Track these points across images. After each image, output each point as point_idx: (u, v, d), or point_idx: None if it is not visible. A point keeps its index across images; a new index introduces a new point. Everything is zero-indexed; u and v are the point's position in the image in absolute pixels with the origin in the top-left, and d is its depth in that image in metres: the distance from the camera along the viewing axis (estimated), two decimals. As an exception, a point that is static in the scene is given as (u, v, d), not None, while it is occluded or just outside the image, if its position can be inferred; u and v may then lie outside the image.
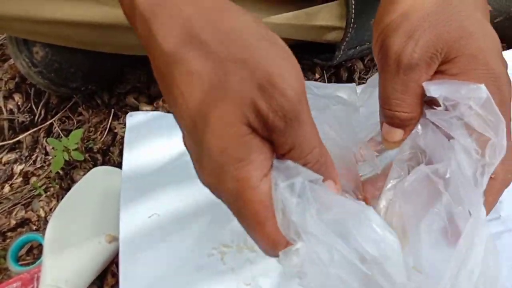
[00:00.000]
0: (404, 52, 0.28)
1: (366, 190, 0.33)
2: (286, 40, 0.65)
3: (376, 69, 0.65)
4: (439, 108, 0.29)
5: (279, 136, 0.24)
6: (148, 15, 0.25)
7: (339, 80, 0.64)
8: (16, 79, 0.67)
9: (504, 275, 0.40)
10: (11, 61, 0.69)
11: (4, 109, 0.65)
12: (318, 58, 0.61)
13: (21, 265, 0.52)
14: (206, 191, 0.26)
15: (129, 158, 0.49)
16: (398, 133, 0.31)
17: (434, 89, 0.29)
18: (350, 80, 0.64)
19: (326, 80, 0.63)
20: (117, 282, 0.48)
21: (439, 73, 0.29)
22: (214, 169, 0.24)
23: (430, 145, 0.29)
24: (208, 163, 0.24)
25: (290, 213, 0.24)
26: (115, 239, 0.47)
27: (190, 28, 0.24)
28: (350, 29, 0.55)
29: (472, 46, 0.28)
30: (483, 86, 0.27)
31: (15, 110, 0.66)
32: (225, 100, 0.23)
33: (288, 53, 0.25)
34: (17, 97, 0.66)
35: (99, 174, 0.53)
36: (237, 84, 0.23)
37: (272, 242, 0.25)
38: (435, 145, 0.29)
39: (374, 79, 0.36)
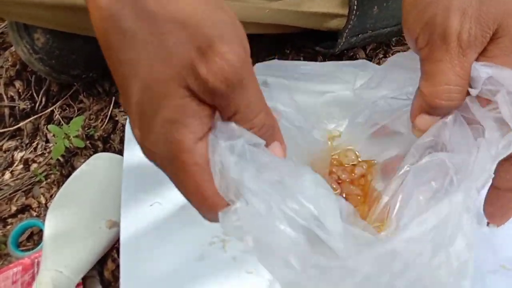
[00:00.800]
0: (463, 30, 0.27)
1: (384, 171, 0.33)
2: (288, 27, 0.64)
3: (378, 59, 0.65)
4: (472, 92, 0.28)
5: (221, 100, 0.23)
6: None
7: (341, 69, 0.63)
8: (17, 67, 0.67)
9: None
10: (12, 49, 0.69)
11: (5, 96, 0.65)
12: (320, 46, 0.61)
13: (22, 250, 0.52)
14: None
15: (130, 146, 0.48)
16: (433, 121, 0.30)
17: (483, 69, 0.27)
18: (352, 69, 0.63)
19: (328, 69, 0.63)
20: (117, 268, 0.48)
21: (482, 54, 0.27)
22: (148, 131, 0.24)
23: (454, 138, 0.29)
24: (142, 125, 0.24)
25: (228, 172, 0.23)
26: (116, 224, 0.47)
27: None
28: (353, 16, 0.54)
29: None
30: None
31: (16, 97, 0.65)
32: (162, 62, 0.23)
33: (232, 19, 0.24)
34: (18, 84, 0.66)
35: (100, 160, 0.53)
36: (175, 46, 0.22)
37: (211, 205, 0.24)
38: (460, 140, 0.28)
39: (393, 61, 0.36)
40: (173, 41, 0.22)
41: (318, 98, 0.46)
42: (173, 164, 0.24)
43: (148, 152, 0.25)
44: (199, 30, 0.22)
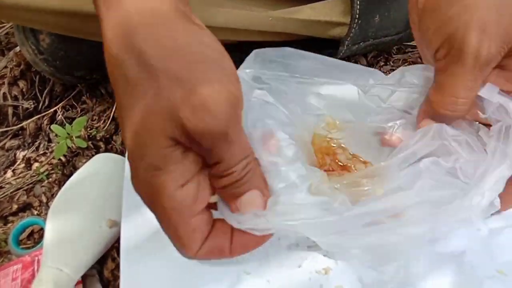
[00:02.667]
0: (482, 47, 0.27)
1: None
2: (291, 35, 0.65)
3: (379, 66, 0.66)
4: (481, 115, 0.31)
5: (206, 153, 0.26)
6: (100, 6, 0.27)
7: (342, 77, 0.64)
8: (22, 67, 0.67)
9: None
10: (17, 49, 0.70)
11: (8, 96, 0.66)
12: (322, 54, 0.62)
13: (22, 248, 0.52)
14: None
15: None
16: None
17: (495, 96, 0.29)
18: (352, 76, 0.64)
19: (329, 75, 0.64)
20: (117, 267, 0.49)
21: (498, 67, 0.29)
22: (136, 173, 0.26)
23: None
24: (131, 165, 0.26)
25: None
26: (116, 224, 0.48)
27: (133, 35, 0.25)
28: (355, 24, 0.55)
29: None
30: None
31: (20, 96, 0.66)
32: (154, 113, 0.25)
33: (226, 72, 0.26)
34: (22, 84, 0.67)
35: (102, 160, 0.53)
36: (167, 101, 0.24)
37: (182, 245, 0.28)
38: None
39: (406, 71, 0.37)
40: (168, 96, 0.24)
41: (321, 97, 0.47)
42: (154, 205, 0.27)
43: (136, 188, 0.27)
44: (193, 88, 0.24)
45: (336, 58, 0.59)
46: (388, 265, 0.37)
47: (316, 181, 0.33)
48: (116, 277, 0.48)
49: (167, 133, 0.25)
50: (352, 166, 0.45)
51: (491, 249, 0.41)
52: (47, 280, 0.42)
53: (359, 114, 0.45)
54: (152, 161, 0.25)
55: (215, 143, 0.25)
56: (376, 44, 0.59)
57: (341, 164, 0.45)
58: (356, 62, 0.65)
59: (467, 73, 0.28)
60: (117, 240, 0.49)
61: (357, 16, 0.55)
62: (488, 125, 0.33)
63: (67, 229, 0.46)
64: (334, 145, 0.45)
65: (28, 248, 0.53)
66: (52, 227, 0.47)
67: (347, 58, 0.64)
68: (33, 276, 0.46)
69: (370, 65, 0.65)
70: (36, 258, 0.48)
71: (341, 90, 0.44)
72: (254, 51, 0.41)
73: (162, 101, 0.24)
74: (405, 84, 0.40)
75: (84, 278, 0.47)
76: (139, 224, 0.44)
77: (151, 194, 0.26)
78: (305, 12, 0.55)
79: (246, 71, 0.40)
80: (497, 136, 0.31)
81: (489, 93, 0.30)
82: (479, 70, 0.28)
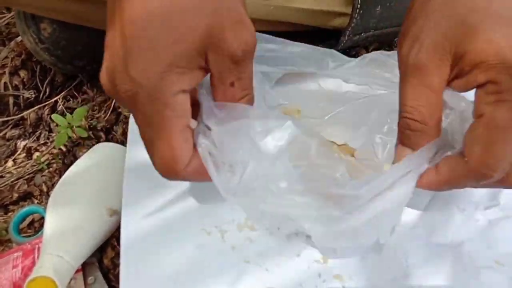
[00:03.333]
0: (410, 54, 0.28)
1: None
2: (292, 25, 0.65)
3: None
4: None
5: (234, 65, 0.27)
6: None
7: (343, 68, 0.64)
8: (23, 56, 0.67)
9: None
10: (18, 39, 0.70)
11: (9, 85, 0.66)
12: (323, 44, 0.62)
13: (23, 237, 0.53)
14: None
15: (134, 136, 0.49)
16: (407, 153, 0.30)
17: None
18: (353, 68, 0.64)
19: (330, 67, 0.64)
20: (116, 255, 0.49)
21: (458, 77, 0.28)
22: (145, 59, 0.25)
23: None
24: (141, 51, 0.25)
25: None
26: (116, 213, 0.48)
27: None
28: (356, 15, 0.55)
29: (478, 40, 0.26)
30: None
31: (21, 86, 0.66)
32: (195, 13, 0.25)
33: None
34: (22, 73, 0.67)
35: (103, 149, 0.53)
36: (209, 18, 0.25)
37: (173, 157, 0.27)
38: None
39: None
40: (210, 9, 0.26)
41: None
42: (149, 106, 0.26)
43: (128, 81, 0.25)
44: (231, 8, 0.27)
45: (337, 48, 0.59)
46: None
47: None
48: (116, 265, 0.49)
49: (199, 45, 0.25)
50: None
51: (489, 239, 0.41)
52: (47, 267, 0.42)
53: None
54: (170, 57, 0.25)
55: (247, 57, 0.27)
56: (377, 35, 0.59)
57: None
58: (356, 55, 0.65)
59: (403, 81, 0.29)
60: (117, 229, 0.49)
61: (358, 6, 0.55)
62: None
63: (68, 217, 0.47)
64: None
65: (29, 236, 0.53)
66: (52, 216, 0.47)
67: (348, 50, 0.64)
68: (33, 263, 0.47)
69: (371, 56, 0.65)
70: (37, 246, 0.48)
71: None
72: None
73: (204, 18, 0.25)
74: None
75: (84, 266, 0.47)
76: (139, 213, 0.44)
77: (150, 92, 0.25)
78: (307, 1, 0.55)
79: None
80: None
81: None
82: (412, 76, 0.28)
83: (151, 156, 0.28)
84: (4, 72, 0.67)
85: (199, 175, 0.29)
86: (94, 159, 0.52)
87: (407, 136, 0.29)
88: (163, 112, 0.26)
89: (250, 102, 0.30)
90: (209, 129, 0.29)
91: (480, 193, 0.43)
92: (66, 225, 0.46)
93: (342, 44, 0.58)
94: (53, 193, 0.50)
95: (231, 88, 0.28)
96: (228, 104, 0.28)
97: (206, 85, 0.29)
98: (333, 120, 0.48)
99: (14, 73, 0.67)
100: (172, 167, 0.27)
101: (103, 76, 0.27)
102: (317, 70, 0.49)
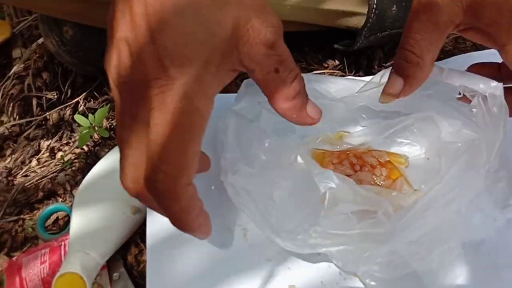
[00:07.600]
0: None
1: None
2: (307, 25, 0.65)
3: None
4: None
5: (269, 50, 0.27)
6: None
7: (358, 68, 0.65)
8: (45, 58, 0.69)
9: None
10: (39, 41, 0.72)
11: (33, 87, 0.68)
12: (339, 44, 0.62)
13: (49, 234, 0.54)
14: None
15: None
16: (398, 84, 0.32)
17: (456, 79, 0.32)
18: (369, 67, 0.64)
19: (346, 67, 0.64)
20: (140, 252, 0.50)
21: (471, 29, 0.31)
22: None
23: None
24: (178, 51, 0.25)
25: None
26: (139, 211, 0.49)
27: None
28: (372, 14, 0.56)
29: None
30: (500, 85, 0.31)
31: (43, 88, 0.68)
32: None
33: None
34: (45, 75, 0.69)
35: (125, 149, 0.55)
36: (232, 4, 0.26)
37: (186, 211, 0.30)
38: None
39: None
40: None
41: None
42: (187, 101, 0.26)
43: (165, 75, 0.25)
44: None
45: (353, 48, 0.60)
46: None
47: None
48: (139, 262, 0.50)
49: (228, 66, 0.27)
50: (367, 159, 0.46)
51: (507, 238, 0.41)
52: (75, 263, 0.44)
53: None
54: (207, 52, 0.25)
55: (280, 37, 0.28)
56: (393, 35, 0.60)
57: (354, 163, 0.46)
58: (372, 54, 0.65)
59: (414, 15, 0.30)
60: (140, 226, 0.50)
61: (374, 6, 0.55)
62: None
63: (93, 215, 0.48)
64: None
65: (54, 233, 0.55)
66: (78, 214, 0.49)
67: (364, 50, 0.64)
68: (60, 259, 0.48)
69: (387, 56, 0.65)
70: (63, 243, 0.50)
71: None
72: (244, 82, 0.43)
73: (231, 11, 0.26)
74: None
75: (109, 263, 0.49)
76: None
77: (187, 89, 0.25)
78: (323, 1, 0.55)
79: (240, 105, 0.42)
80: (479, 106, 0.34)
81: (450, 78, 0.33)
82: (423, 13, 0.30)
83: (159, 156, 0.27)
84: (28, 74, 0.69)
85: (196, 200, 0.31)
86: (117, 158, 0.53)
87: (402, 66, 0.31)
88: (194, 113, 0.26)
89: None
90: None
91: (498, 193, 0.43)
92: (91, 223, 0.48)
93: (358, 44, 0.59)
94: (78, 192, 0.51)
95: (278, 76, 0.28)
96: None
97: None
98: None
99: (37, 75, 0.69)
100: (182, 175, 0.28)
101: (112, 71, 0.28)
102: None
